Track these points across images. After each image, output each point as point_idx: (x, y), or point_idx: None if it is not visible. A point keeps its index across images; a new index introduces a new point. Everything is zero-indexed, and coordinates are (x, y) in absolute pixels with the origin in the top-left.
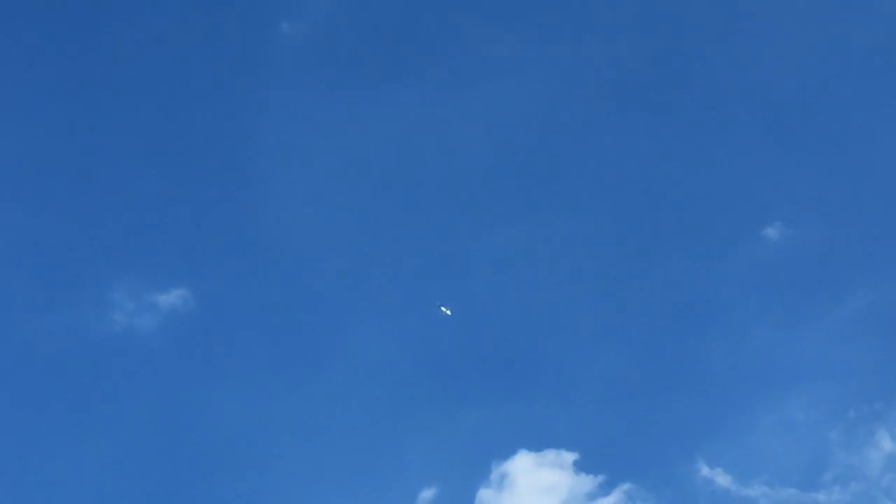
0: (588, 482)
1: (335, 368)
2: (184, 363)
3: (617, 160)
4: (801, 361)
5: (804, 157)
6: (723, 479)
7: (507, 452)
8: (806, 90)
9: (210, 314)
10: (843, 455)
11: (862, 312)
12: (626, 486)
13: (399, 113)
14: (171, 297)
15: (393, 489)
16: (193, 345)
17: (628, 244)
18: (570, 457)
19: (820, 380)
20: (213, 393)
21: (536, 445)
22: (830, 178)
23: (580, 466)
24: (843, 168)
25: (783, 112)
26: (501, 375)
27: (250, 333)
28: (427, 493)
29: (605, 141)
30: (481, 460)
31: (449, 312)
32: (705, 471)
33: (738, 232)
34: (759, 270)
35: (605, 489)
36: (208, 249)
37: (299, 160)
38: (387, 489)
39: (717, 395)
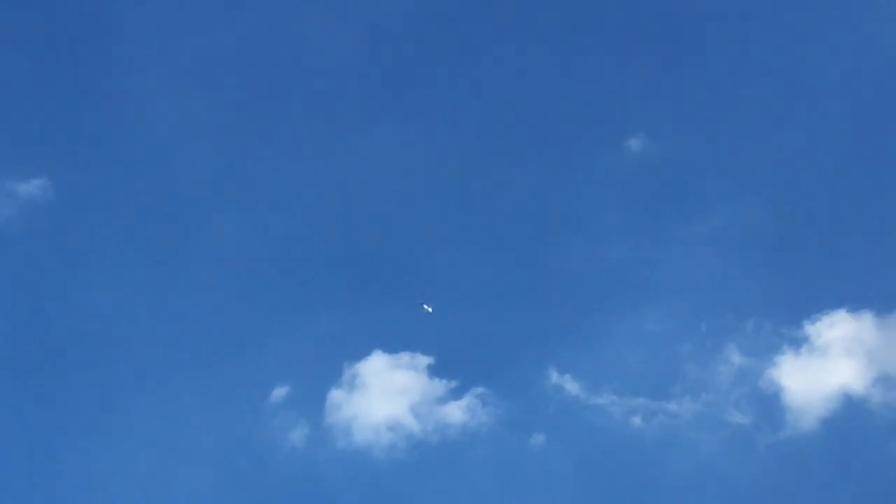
0: (441, 387)
1: (193, 264)
2: (41, 253)
3: (481, 67)
4: (658, 274)
5: (669, 68)
6: (572, 387)
7: (362, 353)
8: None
9: (69, 205)
10: (693, 368)
11: (721, 227)
12: (478, 391)
13: (266, 10)
14: (31, 187)
15: (245, 386)
16: (51, 235)
17: (490, 151)
18: (424, 360)
19: (675, 293)
20: (70, 285)
21: (392, 347)
22: (695, 90)
23: (434, 370)
24: (709, 81)
25: (649, 21)
26: (361, 277)
27: (109, 226)
28: (279, 391)
29: (470, 48)
30: (334, 360)
31: (430, 310)
32: (555, 377)
33: (600, 142)
34: (620, 181)
35: (457, 394)
36: (69, 139)
37: (167, 53)
38: (239, 386)
39: (572, 304)
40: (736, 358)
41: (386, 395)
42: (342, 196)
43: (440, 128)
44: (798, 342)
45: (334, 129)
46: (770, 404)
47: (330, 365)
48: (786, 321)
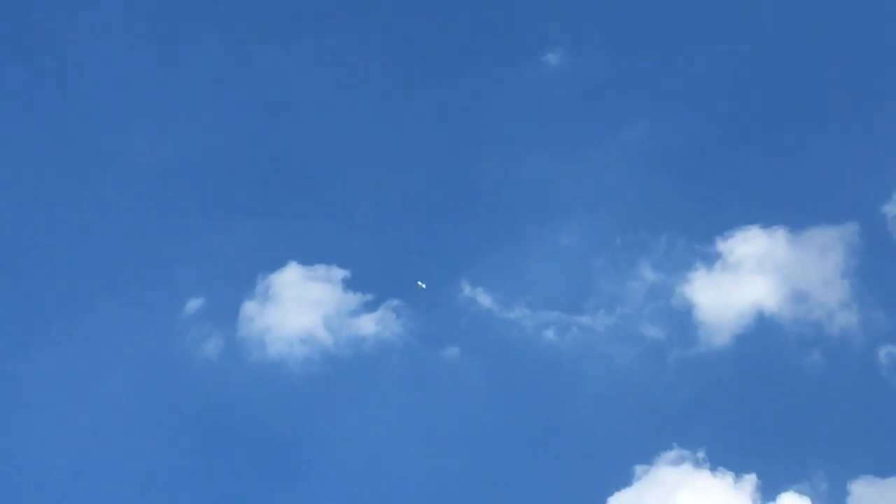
0: (355, 300)
1: (105, 173)
2: None
3: None
4: (572, 189)
5: None
6: (484, 300)
7: (277, 265)
8: None
9: None
10: (606, 282)
11: (636, 143)
12: (393, 304)
13: None
14: None
15: (159, 298)
16: None
17: (407, 64)
18: (340, 273)
19: (589, 208)
20: None
21: (307, 259)
22: (614, 4)
23: (349, 283)
24: None
25: None
26: (275, 187)
27: (18, 132)
28: (194, 303)
29: None
30: (248, 271)
31: (424, 286)
32: (468, 290)
33: (517, 56)
34: (538, 96)
35: (371, 307)
36: None
37: None
38: (153, 298)
39: (486, 218)
40: (649, 273)
41: (300, 307)
42: (255, 106)
43: (355, 40)
44: (711, 258)
45: (249, 38)
46: (683, 320)
47: (244, 276)
48: (699, 237)
